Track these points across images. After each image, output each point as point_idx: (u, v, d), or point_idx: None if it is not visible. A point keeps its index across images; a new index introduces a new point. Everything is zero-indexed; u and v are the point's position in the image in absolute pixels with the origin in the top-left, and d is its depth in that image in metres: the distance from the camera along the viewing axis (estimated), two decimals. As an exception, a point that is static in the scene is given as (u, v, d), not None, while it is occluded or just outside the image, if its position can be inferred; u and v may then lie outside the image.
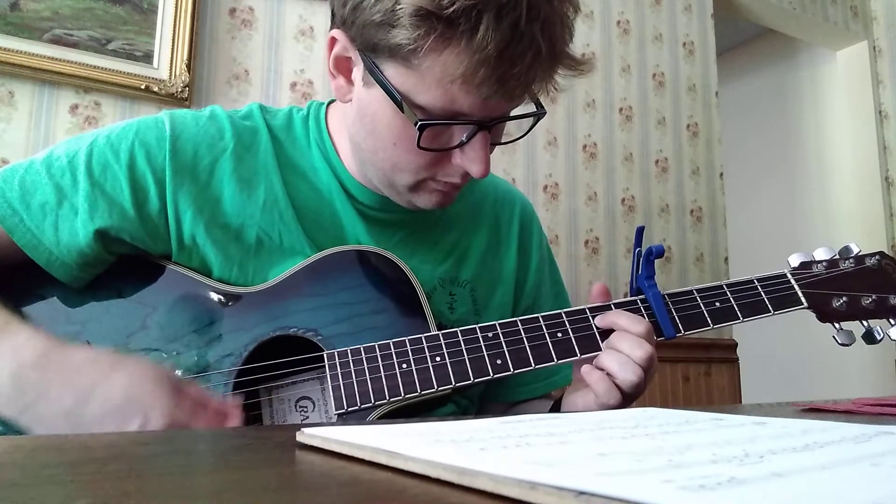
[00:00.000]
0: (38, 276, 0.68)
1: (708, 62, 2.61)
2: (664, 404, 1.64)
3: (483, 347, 0.67)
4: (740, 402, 2.40)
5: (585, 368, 0.67)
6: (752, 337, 2.70)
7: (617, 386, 0.65)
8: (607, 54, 2.35)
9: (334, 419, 0.64)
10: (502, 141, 0.70)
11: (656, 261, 0.74)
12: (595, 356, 0.67)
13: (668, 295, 0.72)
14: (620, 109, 2.35)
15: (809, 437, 0.32)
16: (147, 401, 0.54)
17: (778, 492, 0.21)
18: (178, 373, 0.66)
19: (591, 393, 0.67)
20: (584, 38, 2.30)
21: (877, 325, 0.74)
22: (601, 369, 0.66)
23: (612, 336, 0.67)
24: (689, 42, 2.57)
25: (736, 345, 2.43)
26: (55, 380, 0.56)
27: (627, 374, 0.64)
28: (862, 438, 0.31)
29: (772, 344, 3.25)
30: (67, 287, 0.69)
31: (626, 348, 0.65)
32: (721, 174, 2.56)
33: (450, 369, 0.66)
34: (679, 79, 2.51)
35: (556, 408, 0.75)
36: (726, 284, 0.74)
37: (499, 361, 0.67)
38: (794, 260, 0.78)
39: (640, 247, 0.73)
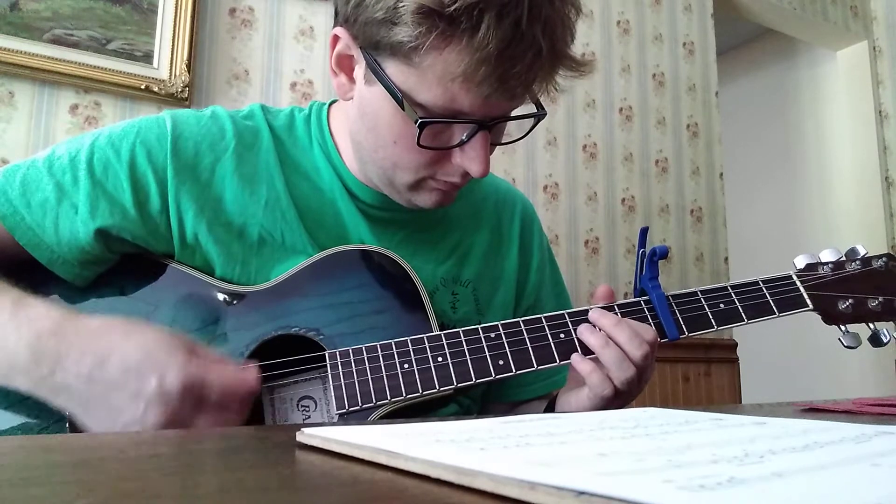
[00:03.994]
0: (41, 275, 0.68)
1: (708, 62, 2.61)
2: (664, 404, 1.64)
3: (485, 348, 0.67)
4: (740, 402, 2.40)
5: (576, 357, 0.66)
6: (752, 337, 2.70)
7: (610, 379, 0.65)
8: (607, 54, 2.35)
9: (336, 419, 0.64)
10: (503, 141, 0.70)
11: (656, 261, 0.73)
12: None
13: (671, 296, 0.72)
14: (620, 109, 2.35)
15: (809, 437, 0.32)
16: (163, 360, 0.54)
17: (778, 492, 0.21)
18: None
19: (583, 390, 0.67)
20: (584, 38, 2.30)
21: (883, 327, 0.74)
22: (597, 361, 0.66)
23: (609, 321, 0.67)
24: (689, 42, 2.57)
25: (736, 345, 2.43)
26: (73, 346, 0.56)
27: (623, 373, 0.64)
28: (862, 438, 0.31)
29: (772, 344, 3.25)
30: (70, 285, 0.69)
31: (623, 340, 0.65)
32: (721, 174, 2.56)
33: (452, 369, 0.66)
34: (679, 79, 2.51)
35: (550, 408, 0.75)
36: (731, 286, 0.74)
37: (501, 362, 0.67)
38: (800, 261, 0.77)
39: (644, 247, 0.72)
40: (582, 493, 0.20)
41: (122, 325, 0.58)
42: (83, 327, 0.57)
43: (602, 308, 0.70)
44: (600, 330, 0.67)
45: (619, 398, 0.66)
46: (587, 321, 0.69)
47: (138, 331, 0.57)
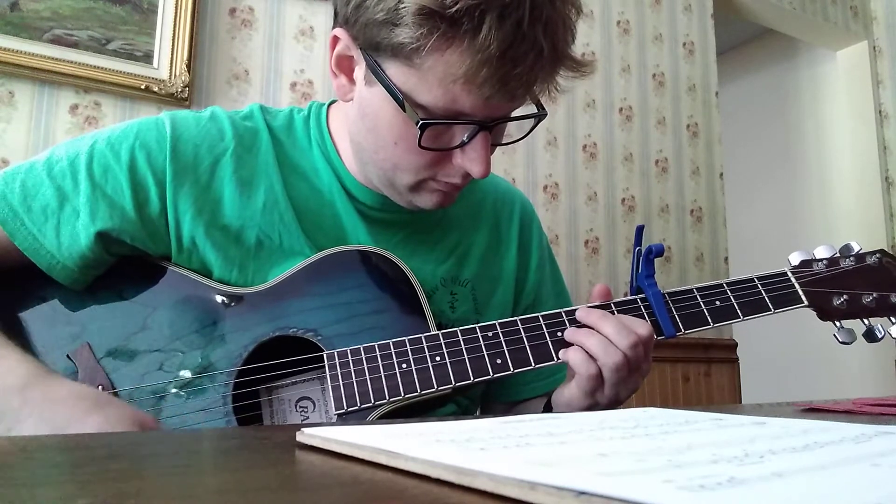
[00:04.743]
0: (38, 278, 0.68)
1: (708, 62, 2.61)
2: (664, 404, 1.64)
3: (483, 347, 0.67)
4: (740, 402, 2.40)
5: (562, 351, 0.67)
6: (752, 337, 2.70)
7: (597, 365, 0.64)
8: (607, 54, 2.35)
9: (334, 419, 0.64)
10: (503, 142, 0.70)
11: (656, 261, 0.74)
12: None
13: (668, 294, 0.72)
14: (620, 109, 2.35)
15: (809, 437, 0.32)
16: None
17: (778, 492, 0.21)
18: (174, 390, 0.65)
19: (573, 380, 0.66)
20: (584, 38, 2.30)
21: (878, 323, 0.74)
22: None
23: (595, 316, 0.67)
24: (689, 42, 2.57)
25: (736, 345, 2.43)
26: (34, 411, 0.55)
27: (610, 358, 0.64)
28: (862, 438, 0.31)
29: (772, 344, 3.25)
30: (68, 288, 0.69)
31: (610, 331, 0.65)
32: (721, 174, 2.56)
33: (450, 369, 0.66)
34: (679, 79, 2.51)
35: (547, 407, 0.75)
36: (727, 283, 0.74)
37: (499, 361, 0.67)
38: (795, 258, 0.78)
39: (640, 246, 0.73)
40: (582, 493, 0.20)
41: (88, 398, 0.58)
42: (49, 392, 0.57)
43: (591, 307, 0.70)
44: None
45: (608, 386, 0.65)
46: (577, 322, 0.69)
47: (103, 409, 0.56)
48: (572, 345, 0.67)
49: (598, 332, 0.66)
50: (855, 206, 3.26)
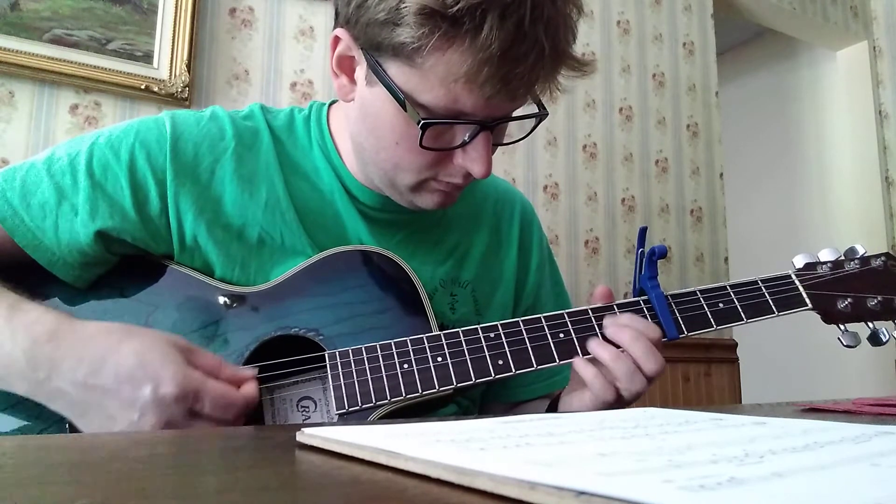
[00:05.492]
0: (41, 276, 0.68)
1: (708, 62, 2.61)
2: (664, 404, 1.64)
3: (485, 348, 0.67)
4: (740, 402, 2.40)
5: (579, 362, 0.66)
6: (752, 337, 2.69)
7: (615, 387, 0.65)
8: (607, 54, 2.35)
9: (336, 419, 0.64)
10: (504, 142, 0.70)
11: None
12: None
13: (671, 295, 0.72)
14: (620, 109, 2.35)
15: (809, 437, 0.32)
16: (157, 367, 0.54)
17: (778, 492, 0.21)
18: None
19: (585, 393, 0.67)
20: (584, 38, 2.30)
21: (882, 326, 0.74)
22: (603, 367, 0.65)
23: (627, 336, 0.65)
24: (689, 42, 2.57)
25: (736, 345, 2.43)
26: (68, 352, 0.56)
27: (633, 385, 0.64)
28: (862, 438, 0.31)
29: (772, 344, 3.25)
30: (70, 286, 0.69)
31: (639, 354, 0.64)
32: (721, 174, 2.56)
33: (451, 369, 0.66)
34: (679, 79, 2.51)
35: (552, 408, 0.75)
36: (730, 285, 0.74)
37: (500, 362, 0.67)
38: (799, 261, 0.77)
39: (643, 247, 0.72)
40: (582, 493, 0.20)
41: (118, 329, 0.58)
42: (79, 332, 0.57)
43: (593, 308, 0.70)
44: (616, 345, 0.66)
45: (621, 403, 0.66)
46: (588, 321, 0.69)
47: (134, 336, 0.57)
48: (584, 349, 0.67)
49: (628, 352, 0.65)
50: (855, 206, 3.26)
